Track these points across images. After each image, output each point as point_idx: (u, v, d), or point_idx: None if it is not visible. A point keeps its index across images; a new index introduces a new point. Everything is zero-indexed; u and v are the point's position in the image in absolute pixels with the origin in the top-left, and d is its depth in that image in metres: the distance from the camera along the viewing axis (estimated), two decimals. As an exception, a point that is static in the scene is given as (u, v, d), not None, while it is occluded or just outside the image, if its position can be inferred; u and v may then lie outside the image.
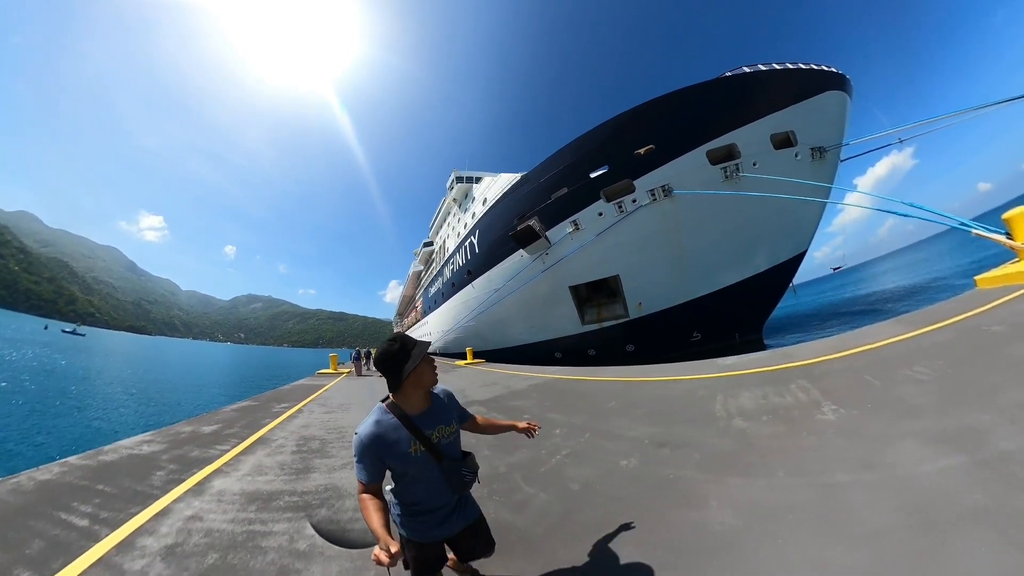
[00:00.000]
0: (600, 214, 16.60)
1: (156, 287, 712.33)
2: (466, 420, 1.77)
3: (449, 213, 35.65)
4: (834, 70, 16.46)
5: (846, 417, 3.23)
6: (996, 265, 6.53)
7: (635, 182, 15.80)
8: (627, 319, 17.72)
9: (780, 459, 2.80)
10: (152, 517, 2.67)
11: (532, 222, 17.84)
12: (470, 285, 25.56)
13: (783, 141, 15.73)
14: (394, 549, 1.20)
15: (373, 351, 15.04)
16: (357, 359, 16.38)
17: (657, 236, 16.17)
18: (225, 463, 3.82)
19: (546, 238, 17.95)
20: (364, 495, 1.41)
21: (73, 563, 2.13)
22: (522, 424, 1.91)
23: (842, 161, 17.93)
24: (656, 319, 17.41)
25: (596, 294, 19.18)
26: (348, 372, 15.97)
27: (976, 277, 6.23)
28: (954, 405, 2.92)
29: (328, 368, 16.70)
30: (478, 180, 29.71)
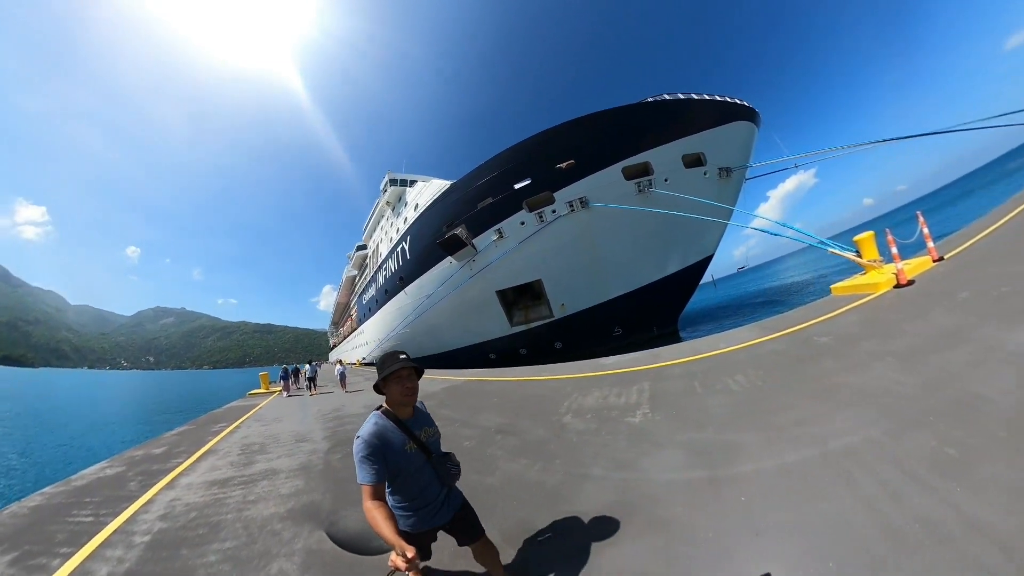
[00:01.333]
0: (522, 223, 18.85)
1: (37, 302, 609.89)
2: None
3: (383, 216, 36.34)
4: (745, 104, 19.64)
5: (648, 421, 4.05)
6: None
7: (555, 194, 18.09)
8: (552, 319, 20.19)
9: (569, 450, 3.76)
10: (142, 506, 4.09)
11: (459, 230, 19.71)
12: (403, 292, 26.92)
13: (694, 161, 18.41)
14: (410, 554, 1.30)
15: (306, 366, 15.74)
16: (285, 378, 15.82)
17: (575, 243, 18.53)
18: (184, 469, 5.21)
19: (472, 245, 19.91)
20: (371, 504, 1.59)
21: (95, 537, 3.53)
22: None
23: (748, 180, 21.55)
24: (579, 318, 19.84)
25: (522, 297, 21.51)
26: (278, 392, 15.95)
27: (832, 286, 7.58)
28: (736, 418, 3.55)
29: (259, 388, 17.31)
30: (412, 184, 30.81)
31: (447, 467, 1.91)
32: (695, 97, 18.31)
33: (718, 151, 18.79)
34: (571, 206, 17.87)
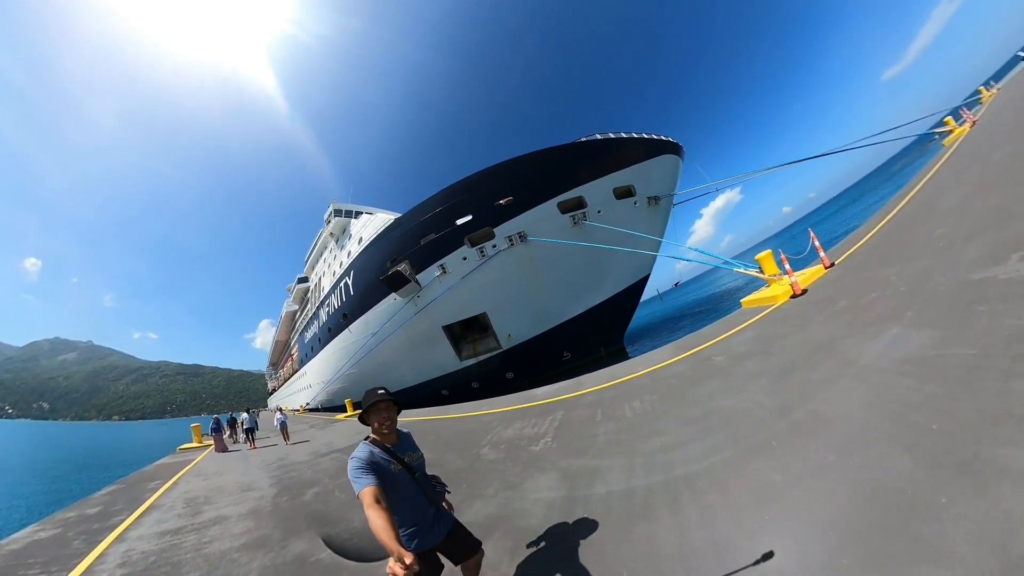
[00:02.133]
0: (464, 258, 20.11)
1: None
2: None
3: (326, 248, 36.18)
4: (670, 140, 22.27)
5: (545, 449, 4.77)
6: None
7: (495, 229, 19.56)
8: (500, 350, 21.35)
9: (476, 477, 4.52)
10: (96, 559, 4.63)
11: (402, 267, 20.63)
12: (347, 329, 27.06)
13: (624, 192, 20.57)
14: (408, 560, 1.36)
15: (243, 415, 15.21)
16: (217, 430, 14.50)
17: (516, 275, 20.08)
18: (130, 524, 5.73)
19: (416, 281, 20.83)
20: (371, 508, 1.68)
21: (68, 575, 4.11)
22: None
23: (676, 205, 24.33)
24: (527, 347, 21.22)
25: (469, 331, 22.63)
26: (210, 447, 14.80)
27: (742, 299, 8.50)
28: (614, 445, 4.09)
29: (191, 442, 16.31)
30: (357, 215, 31.27)
31: (431, 485, 2.22)
32: (624, 136, 20.43)
33: (647, 182, 21.14)
34: (510, 240, 19.52)
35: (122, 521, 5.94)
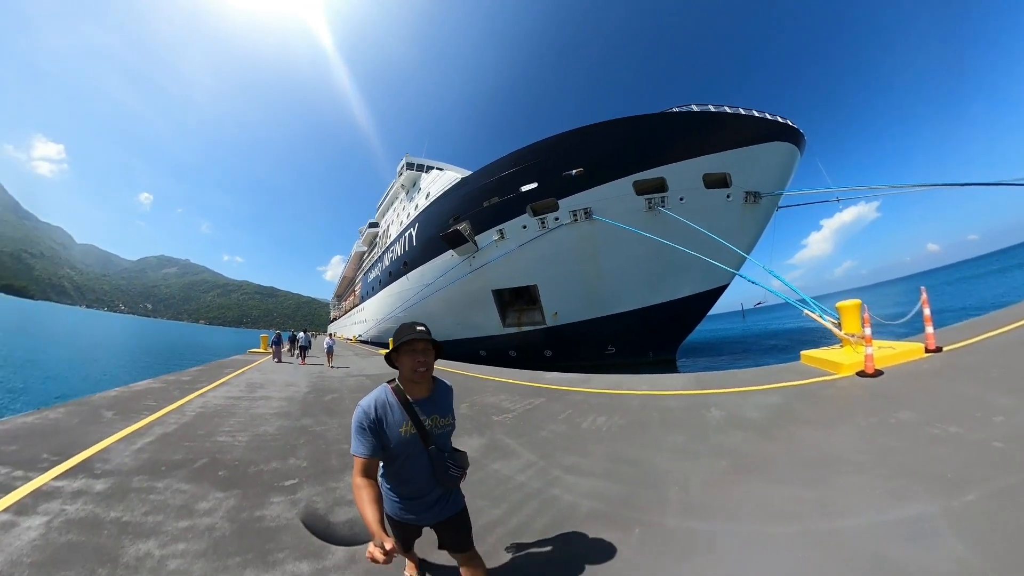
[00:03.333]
0: (524, 227, 19.93)
1: (43, 236, 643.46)
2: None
3: (396, 199, 38.86)
4: (789, 123, 18.54)
5: (500, 423, 5.16)
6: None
7: (560, 201, 19.00)
8: (544, 326, 21.29)
9: None
10: (186, 402, 6.55)
11: (462, 226, 21.56)
12: (405, 277, 29.36)
13: (718, 181, 17.99)
14: (389, 546, 1.31)
15: (301, 334, 17.48)
16: (278, 343, 16.41)
17: (574, 254, 19.40)
18: (208, 390, 7.75)
19: (474, 242, 21.60)
20: (360, 480, 1.59)
21: (159, 411, 5.78)
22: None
23: (782, 208, 20.97)
24: (571, 329, 20.78)
25: (518, 300, 22.93)
26: (270, 355, 17.04)
27: (803, 352, 7.10)
28: (544, 444, 4.28)
29: (258, 348, 19.95)
30: (428, 170, 33.07)
31: (445, 464, 1.76)
32: (728, 111, 17.71)
33: (748, 172, 18.29)
34: (574, 215, 18.72)
35: (203, 387, 8.07)
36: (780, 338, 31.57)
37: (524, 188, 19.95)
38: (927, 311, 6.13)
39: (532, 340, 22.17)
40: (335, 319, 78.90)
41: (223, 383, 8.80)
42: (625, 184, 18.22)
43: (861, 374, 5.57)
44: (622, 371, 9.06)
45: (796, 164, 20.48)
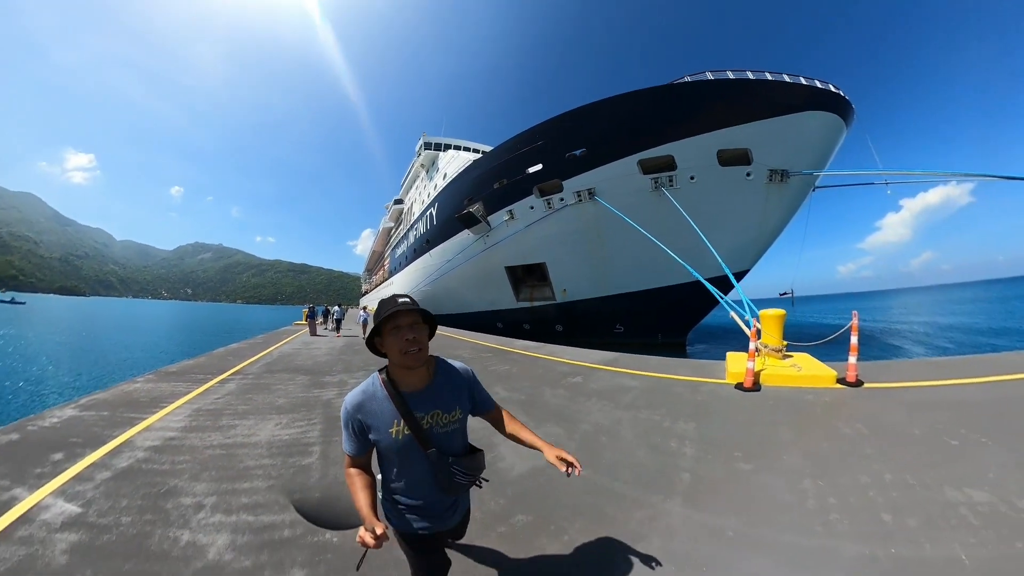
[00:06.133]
0: (531, 207, 22.23)
1: (85, 238, 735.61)
2: (486, 410, 1.77)
3: (418, 177, 43.08)
4: (831, 88, 17.22)
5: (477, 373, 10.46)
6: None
7: (564, 182, 20.71)
8: (555, 302, 23.92)
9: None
10: (266, 353, 11.15)
11: (475, 207, 24.83)
12: (428, 254, 33.60)
13: (736, 157, 17.59)
14: (379, 530, 1.33)
15: (335, 308, 21.11)
16: (312, 316, 18.53)
17: (579, 233, 21.28)
18: (274, 348, 12.31)
19: (487, 222, 24.72)
20: (350, 469, 1.57)
21: (251, 358, 10.09)
22: (553, 453, 1.65)
23: (819, 189, 20.42)
24: (580, 306, 23.08)
25: (530, 276, 25.53)
26: (305, 328, 19.67)
27: (728, 352, 7.28)
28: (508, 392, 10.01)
29: (302, 320, 24.63)
30: (445, 148, 36.96)
31: (449, 470, 1.54)
32: (751, 76, 16.78)
33: (773, 147, 17.44)
34: (579, 196, 20.25)
35: (270, 347, 12.64)
36: (812, 334, 30.45)
37: (530, 170, 21.97)
38: (854, 339, 5.86)
39: (544, 315, 25.04)
40: (366, 292, 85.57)
41: (283, 343, 13.63)
42: (630, 163, 18.85)
43: (738, 386, 5.88)
44: (626, 350, 9.92)
45: (840, 139, 19.12)
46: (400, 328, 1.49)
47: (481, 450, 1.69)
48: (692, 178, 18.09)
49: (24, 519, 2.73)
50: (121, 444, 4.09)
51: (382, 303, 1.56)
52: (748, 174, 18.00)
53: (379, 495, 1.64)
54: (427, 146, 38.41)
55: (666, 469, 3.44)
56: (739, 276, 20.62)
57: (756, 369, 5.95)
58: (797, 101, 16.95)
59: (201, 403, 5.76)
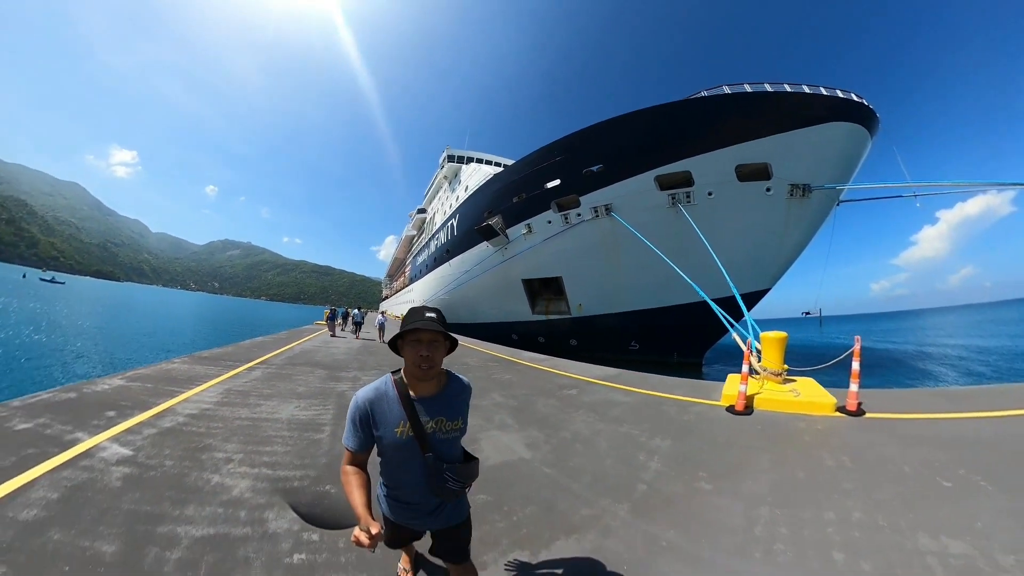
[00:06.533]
0: (549, 222, 22.76)
1: (123, 228, 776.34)
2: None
3: (440, 188, 44.36)
4: (854, 98, 17.01)
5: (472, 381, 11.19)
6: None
7: (581, 198, 21.08)
8: (570, 316, 24.17)
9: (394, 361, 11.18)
10: (295, 345, 12.08)
11: (494, 220, 25.31)
12: (448, 263, 34.57)
13: (755, 172, 17.51)
14: (374, 531, 1.39)
15: (355, 311, 21.28)
16: (333, 318, 19.33)
17: (596, 249, 21.56)
18: (296, 344, 13.16)
19: (505, 235, 25.32)
20: (348, 467, 1.64)
21: (288, 345, 10.92)
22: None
23: (844, 203, 20.03)
24: (595, 322, 23.21)
25: (546, 289, 25.97)
26: (325, 330, 20.44)
27: (729, 374, 7.35)
28: (483, 393, 10.88)
29: (322, 320, 25.59)
30: (468, 161, 38.14)
31: (442, 475, 1.64)
32: (768, 89, 16.81)
33: (794, 161, 17.31)
34: (595, 212, 20.54)
35: (292, 343, 13.48)
36: (831, 357, 28.83)
37: (548, 185, 22.58)
38: (856, 365, 5.66)
39: (559, 328, 25.26)
40: (387, 297, 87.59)
41: (307, 339, 14.76)
42: (647, 179, 18.98)
43: (729, 408, 5.81)
44: (639, 368, 10.08)
45: (865, 151, 18.96)
46: (420, 343, 1.61)
47: (476, 459, 1.81)
48: (710, 194, 18.09)
49: (85, 455, 3.42)
50: (164, 410, 4.82)
51: (412, 311, 1.68)
52: (768, 189, 17.83)
53: (378, 489, 1.81)
54: (450, 159, 39.84)
55: (626, 478, 3.68)
56: (759, 295, 20.71)
57: (750, 392, 5.88)
58: (818, 112, 16.77)
59: (231, 384, 6.53)
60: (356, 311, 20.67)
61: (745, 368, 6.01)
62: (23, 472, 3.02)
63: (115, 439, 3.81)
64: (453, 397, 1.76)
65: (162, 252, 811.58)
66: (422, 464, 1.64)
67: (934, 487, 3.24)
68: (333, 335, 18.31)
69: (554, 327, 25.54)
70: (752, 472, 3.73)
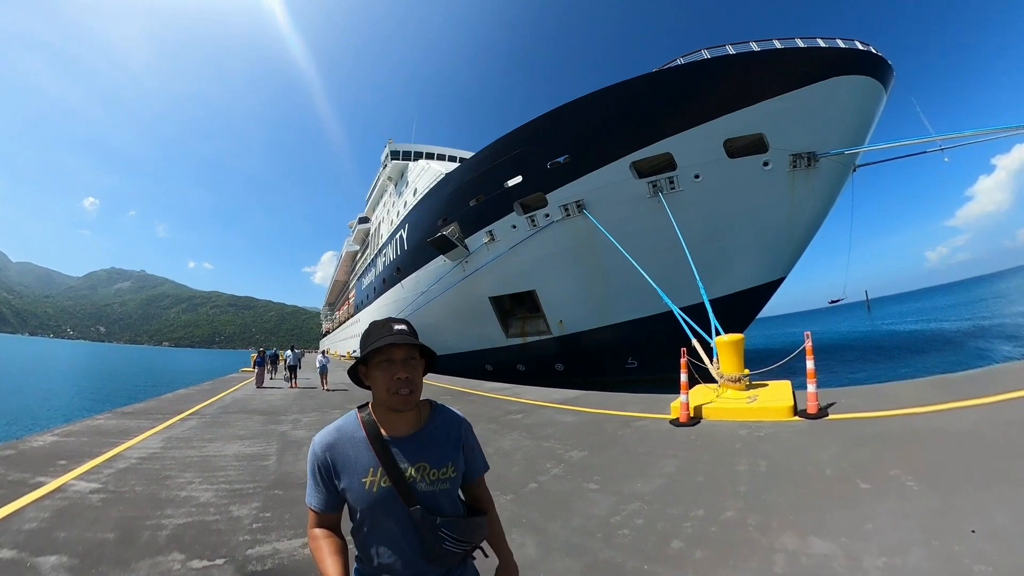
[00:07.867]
0: (514, 226, 23.05)
1: None
2: (472, 478, 1.76)
3: (385, 191, 45.51)
4: (859, 47, 17.62)
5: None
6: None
7: (548, 195, 21.53)
8: (551, 336, 24.46)
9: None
10: (218, 399, 13.67)
11: (450, 229, 25.65)
12: (399, 284, 35.12)
13: (748, 146, 18.19)
14: None
15: (288, 352, 21.09)
16: (260, 364, 19.40)
17: (572, 254, 21.97)
18: (226, 394, 14.95)
19: (464, 246, 25.43)
20: (316, 530, 1.56)
21: (203, 403, 12.50)
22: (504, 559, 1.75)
23: (860, 167, 21.00)
24: (581, 339, 23.58)
25: (519, 307, 26.35)
26: (251, 379, 20.25)
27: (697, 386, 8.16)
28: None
29: (249, 367, 25.75)
30: (415, 157, 38.74)
31: (437, 534, 1.51)
32: (755, 48, 17.35)
33: (794, 127, 17.78)
34: (566, 210, 20.92)
35: (221, 393, 15.15)
36: (883, 348, 29.99)
37: (509, 183, 23.04)
38: (810, 364, 5.98)
39: (540, 352, 25.63)
40: (328, 332, 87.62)
41: (237, 389, 16.53)
42: (622, 167, 19.48)
43: (674, 421, 6.52)
44: (640, 389, 10.94)
45: (880, 106, 19.87)
46: (392, 363, 1.49)
47: (483, 514, 1.71)
48: (697, 177, 18.81)
49: (59, 490, 5.04)
50: (114, 455, 6.53)
51: (373, 326, 1.55)
52: (766, 163, 18.47)
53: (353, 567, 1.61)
54: (394, 155, 40.39)
55: (522, 479, 4.86)
56: (774, 286, 21.98)
57: (703, 402, 6.65)
58: (818, 68, 17.35)
59: (170, 433, 8.21)
60: (289, 352, 20.61)
61: (683, 377, 6.79)
62: (6, 504, 4.44)
63: (80, 478, 5.47)
64: (438, 436, 1.64)
65: (26, 289, 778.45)
66: (406, 520, 1.50)
67: (846, 489, 3.74)
68: (260, 386, 18.32)
69: (534, 351, 25.94)
70: (650, 476, 4.65)
